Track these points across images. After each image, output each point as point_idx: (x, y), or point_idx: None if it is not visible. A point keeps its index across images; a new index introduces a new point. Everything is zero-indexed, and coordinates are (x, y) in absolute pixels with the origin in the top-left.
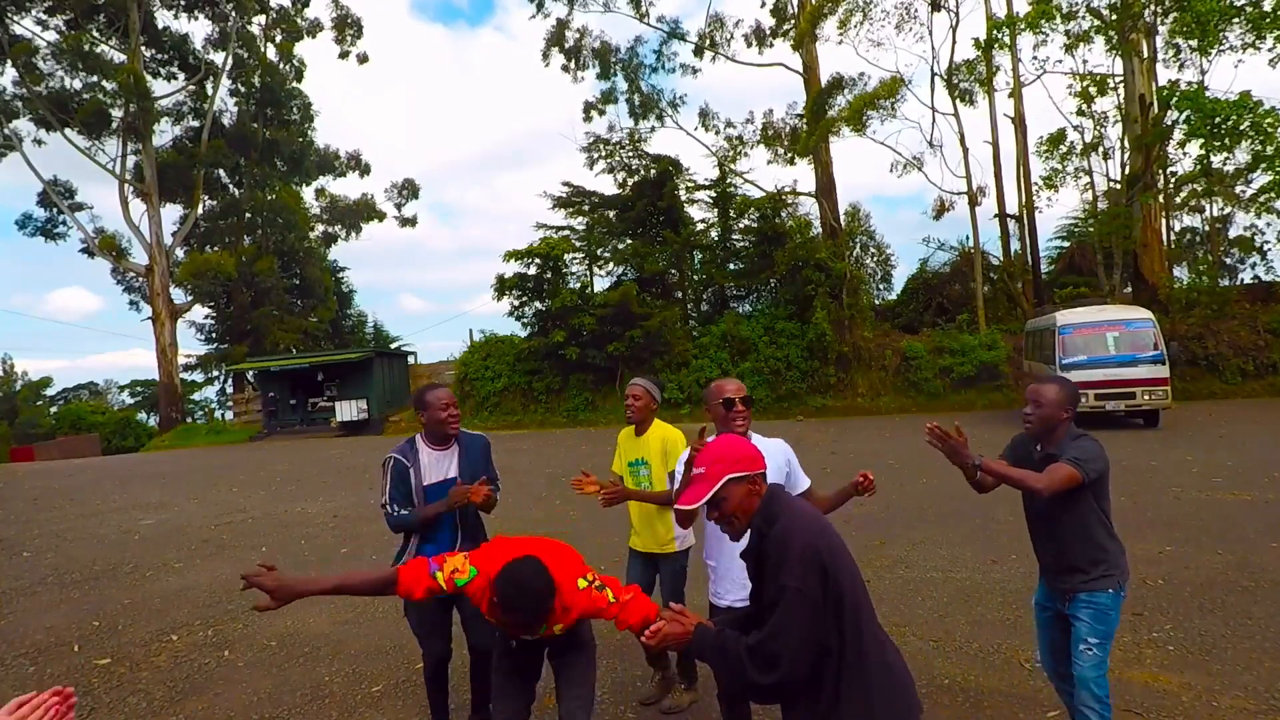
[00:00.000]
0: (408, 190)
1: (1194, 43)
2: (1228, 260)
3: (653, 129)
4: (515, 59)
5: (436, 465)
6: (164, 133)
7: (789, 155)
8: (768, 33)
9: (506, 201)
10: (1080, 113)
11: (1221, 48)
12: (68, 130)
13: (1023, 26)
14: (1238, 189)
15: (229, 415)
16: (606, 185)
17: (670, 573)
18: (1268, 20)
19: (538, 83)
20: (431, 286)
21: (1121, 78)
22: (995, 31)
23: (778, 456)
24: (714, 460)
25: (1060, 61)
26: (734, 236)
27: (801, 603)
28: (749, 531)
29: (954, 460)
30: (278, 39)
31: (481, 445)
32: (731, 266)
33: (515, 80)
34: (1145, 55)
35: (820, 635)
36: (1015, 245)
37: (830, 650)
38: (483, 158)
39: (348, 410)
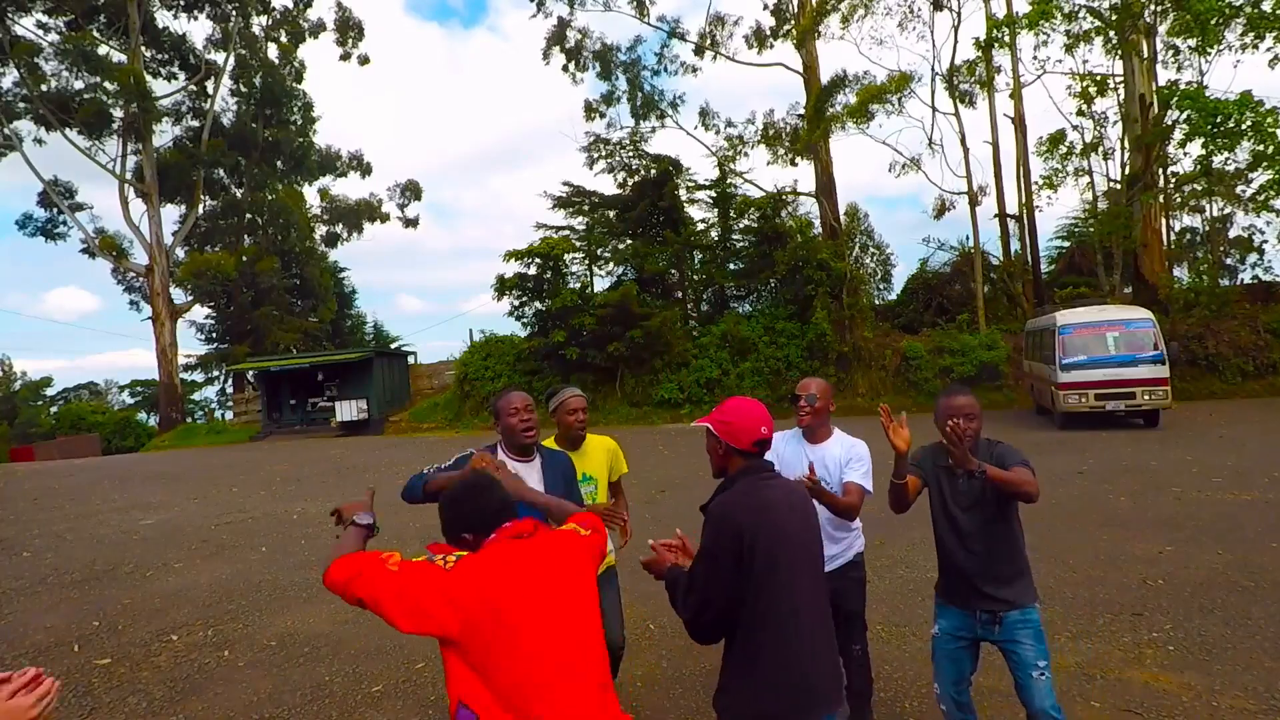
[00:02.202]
0: (410, 191)
1: (1193, 43)
2: (1228, 260)
3: (653, 129)
4: (511, 59)
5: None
6: (164, 133)
7: (789, 155)
8: (768, 32)
9: (504, 202)
10: (1080, 113)
11: (1220, 48)
12: (68, 130)
13: (1023, 27)
14: (1238, 189)
15: (229, 415)
16: (606, 185)
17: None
18: (1267, 20)
19: (535, 83)
20: (430, 286)
21: (1121, 78)
22: (995, 31)
23: (833, 456)
24: (721, 409)
25: (1060, 61)
26: (734, 236)
27: (707, 561)
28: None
29: (961, 463)
30: (281, 39)
31: (564, 464)
32: (731, 266)
33: (512, 81)
34: (1145, 55)
35: (725, 591)
36: (1015, 245)
37: (744, 603)
38: (479, 158)
39: (348, 410)
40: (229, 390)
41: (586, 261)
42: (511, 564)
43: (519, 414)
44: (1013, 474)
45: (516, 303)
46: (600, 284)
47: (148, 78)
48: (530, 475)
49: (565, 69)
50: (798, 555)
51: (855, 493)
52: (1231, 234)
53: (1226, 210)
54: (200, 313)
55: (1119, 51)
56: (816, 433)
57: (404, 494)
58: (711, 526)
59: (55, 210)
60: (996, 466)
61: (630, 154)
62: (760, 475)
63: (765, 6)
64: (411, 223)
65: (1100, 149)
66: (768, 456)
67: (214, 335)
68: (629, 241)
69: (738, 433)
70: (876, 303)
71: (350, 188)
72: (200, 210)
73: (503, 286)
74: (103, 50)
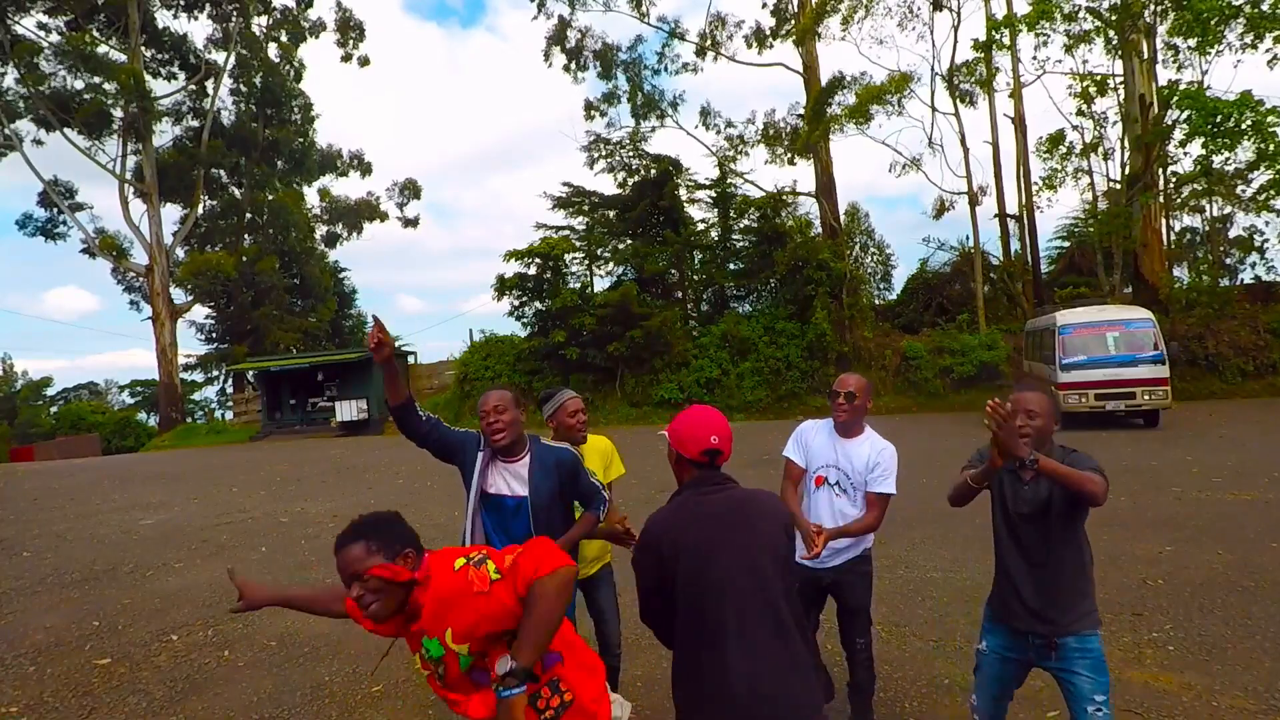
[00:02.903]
0: (409, 190)
1: (1193, 43)
2: (1228, 260)
3: (653, 129)
4: (511, 59)
5: (501, 475)
6: (164, 133)
7: (789, 155)
8: (768, 33)
9: (504, 202)
10: (1080, 113)
11: (1220, 48)
12: (68, 130)
13: (1023, 27)
14: (1238, 189)
15: (229, 415)
16: (606, 185)
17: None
18: (1267, 20)
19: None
20: (429, 287)
21: (1121, 78)
22: (995, 31)
23: (860, 455)
24: (676, 417)
25: (1060, 62)
26: (734, 236)
27: (636, 569)
28: None
29: (1006, 448)
30: (281, 39)
31: (560, 461)
32: (731, 266)
33: (512, 81)
34: (1145, 55)
35: (653, 604)
36: (1015, 245)
37: (677, 616)
38: (479, 158)
39: (348, 410)
40: (229, 390)
41: (586, 261)
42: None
43: (487, 416)
44: (1071, 469)
45: (516, 303)
46: (600, 284)
47: (148, 78)
48: (516, 475)
49: (566, 69)
50: (732, 571)
51: (876, 506)
52: (1231, 234)
53: (1226, 210)
54: (200, 313)
55: (1119, 51)
56: (850, 429)
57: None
58: (641, 541)
59: (55, 210)
60: (1092, 470)
61: (630, 154)
62: (702, 489)
63: (765, 6)
64: (411, 222)
65: (1100, 149)
66: (792, 444)
67: (214, 335)
68: (629, 241)
69: (685, 441)
70: (876, 303)
71: (350, 187)
72: (200, 210)
73: (503, 286)
74: (103, 50)
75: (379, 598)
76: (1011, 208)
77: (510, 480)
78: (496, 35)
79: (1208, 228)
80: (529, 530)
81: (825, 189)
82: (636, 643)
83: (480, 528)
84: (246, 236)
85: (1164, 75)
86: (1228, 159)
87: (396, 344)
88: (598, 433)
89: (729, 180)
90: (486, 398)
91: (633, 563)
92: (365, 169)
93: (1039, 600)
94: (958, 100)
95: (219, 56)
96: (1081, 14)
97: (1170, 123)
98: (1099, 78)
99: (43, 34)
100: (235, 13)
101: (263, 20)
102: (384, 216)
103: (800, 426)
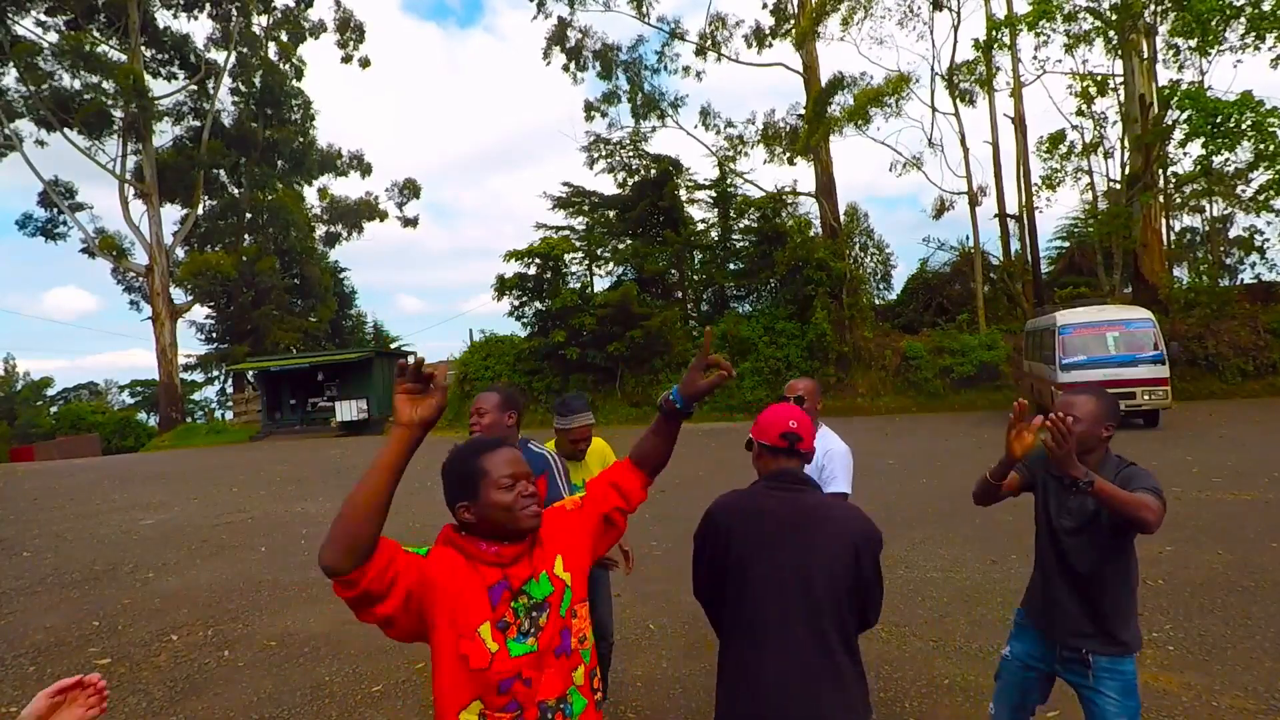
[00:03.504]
0: (409, 190)
1: (1193, 43)
2: (1228, 260)
3: (654, 129)
4: (510, 60)
5: None
6: (164, 133)
7: (789, 155)
8: (767, 32)
9: (504, 202)
10: (1080, 113)
11: (1221, 48)
12: (68, 130)
13: (1023, 27)
14: (1238, 189)
15: (229, 415)
16: (606, 185)
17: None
18: (1268, 20)
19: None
20: (430, 286)
21: (1121, 78)
22: (995, 31)
23: (818, 454)
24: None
25: (1060, 61)
26: (734, 236)
27: (695, 542)
28: None
29: (1062, 466)
30: (281, 38)
31: (540, 466)
32: (731, 266)
33: (512, 81)
34: (1145, 55)
35: (704, 580)
36: (1015, 245)
37: (724, 602)
38: (479, 158)
39: (348, 410)
40: (229, 390)
41: (586, 261)
42: None
43: (471, 416)
44: (1128, 493)
45: (516, 303)
46: (600, 284)
47: (148, 78)
48: None
49: (566, 69)
50: (781, 573)
51: None
52: (1231, 234)
53: (1226, 210)
54: (200, 313)
55: (1119, 51)
56: None
57: None
58: (702, 519)
59: (55, 210)
60: (1124, 487)
61: (630, 154)
62: (775, 483)
63: (765, 6)
64: (411, 222)
65: (1100, 149)
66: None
67: (214, 335)
68: (629, 241)
69: (765, 428)
70: (876, 303)
71: (350, 187)
72: (200, 210)
73: (503, 286)
74: (103, 50)
75: (540, 503)
76: (1011, 208)
77: None
78: (495, 35)
79: (1208, 228)
80: None
81: (825, 189)
82: (637, 643)
83: None
84: (246, 236)
85: (1164, 75)
86: (1228, 159)
87: (396, 344)
88: (603, 431)
89: (729, 180)
90: (476, 401)
91: (694, 535)
92: (365, 169)
93: (1078, 615)
94: (958, 100)
95: (219, 56)
96: (1081, 14)
97: (1170, 123)
98: (1099, 78)
99: (42, 34)
100: (235, 12)
101: (263, 20)
102: (384, 216)
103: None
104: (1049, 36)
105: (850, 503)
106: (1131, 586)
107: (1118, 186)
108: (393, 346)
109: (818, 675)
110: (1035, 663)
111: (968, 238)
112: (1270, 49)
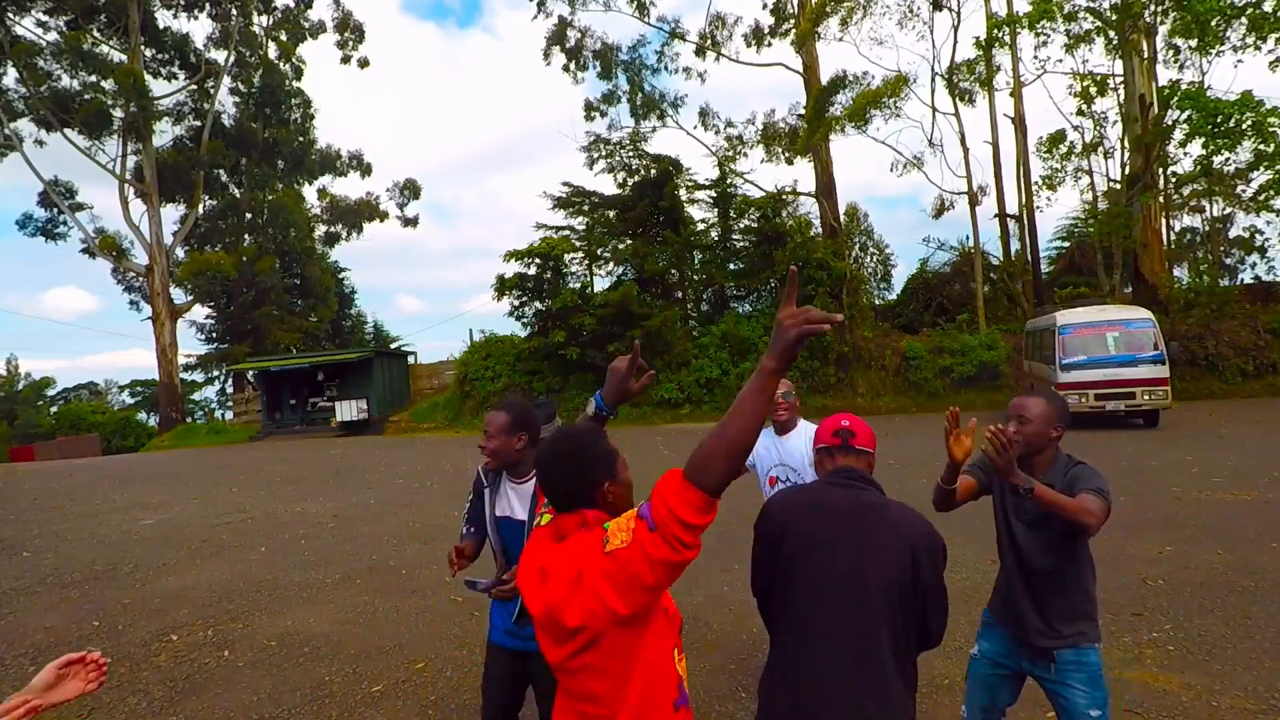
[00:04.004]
0: (409, 191)
1: (1193, 43)
2: (1228, 260)
3: (654, 129)
4: (510, 60)
5: (507, 496)
6: (164, 133)
7: (789, 155)
8: (767, 32)
9: (503, 202)
10: (1080, 113)
11: (1222, 48)
12: (68, 130)
13: (1023, 26)
14: (1238, 189)
15: (229, 415)
16: (606, 185)
17: None
18: (1268, 21)
19: (534, 83)
20: (430, 286)
21: (1121, 78)
22: (995, 30)
23: (798, 448)
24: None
25: (1060, 61)
26: (734, 236)
27: (754, 541)
28: None
29: (1004, 475)
30: (281, 38)
31: None
32: (731, 266)
33: (511, 81)
34: (1145, 55)
35: (756, 573)
36: (1015, 245)
37: (773, 593)
38: (479, 158)
39: (348, 410)
40: (229, 390)
41: (586, 261)
42: (532, 563)
43: (482, 438)
44: (1067, 499)
45: (516, 303)
46: (600, 284)
47: (148, 77)
48: (521, 497)
49: (566, 68)
50: (831, 568)
51: None
52: (1231, 234)
53: (1226, 210)
54: (200, 313)
55: (1119, 51)
56: (788, 427)
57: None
58: (759, 514)
59: (55, 210)
60: (1069, 488)
61: (630, 154)
62: (834, 480)
63: (765, 6)
64: (411, 222)
65: (1100, 149)
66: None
67: (214, 335)
68: (629, 241)
69: (821, 430)
70: (876, 303)
71: (350, 187)
72: (200, 210)
73: (503, 286)
74: (103, 50)
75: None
76: (1011, 208)
77: (515, 502)
78: (494, 35)
79: (1208, 228)
80: None
81: (825, 189)
82: None
83: (501, 549)
84: (246, 236)
85: (1164, 75)
86: (1228, 159)
87: (396, 344)
88: None
89: (729, 180)
90: (486, 417)
91: (753, 528)
92: (365, 169)
93: (1038, 609)
94: (957, 100)
95: (219, 56)
96: (1081, 14)
97: (1170, 123)
98: (1099, 78)
99: (43, 34)
100: (235, 12)
101: (263, 20)
102: (384, 216)
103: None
104: (1049, 36)
105: (911, 507)
106: (1088, 582)
107: (1118, 186)
108: (393, 346)
109: (864, 676)
110: (1003, 660)
111: (968, 238)
112: (1270, 50)
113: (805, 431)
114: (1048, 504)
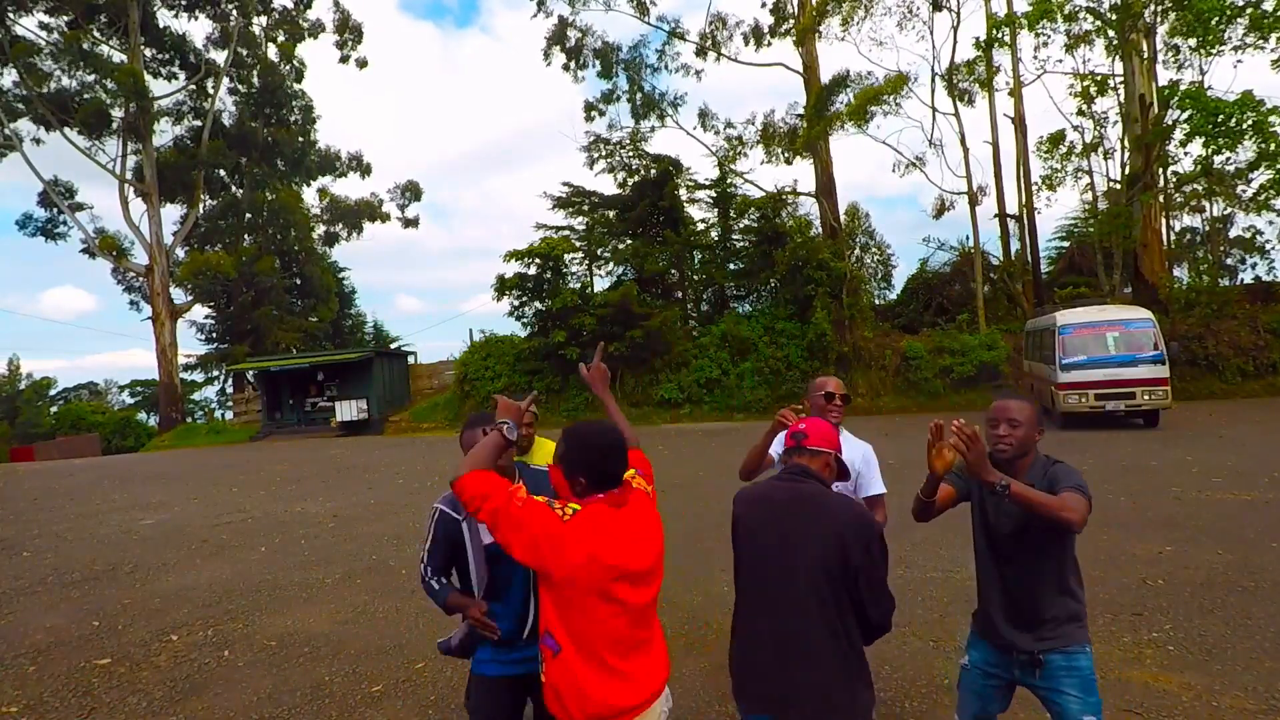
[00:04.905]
0: (410, 192)
1: (1193, 42)
2: (1228, 260)
3: (653, 129)
4: (509, 60)
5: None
6: (164, 133)
7: (788, 155)
8: (767, 32)
9: (503, 202)
10: (1080, 113)
11: (1222, 48)
12: (68, 130)
13: (1023, 26)
14: (1238, 189)
15: (229, 415)
16: (606, 185)
17: None
18: (1269, 20)
19: (534, 83)
20: (430, 287)
21: (1121, 78)
22: (995, 30)
23: (855, 457)
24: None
25: (1060, 61)
26: (734, 236)
27: None
28: None
29: (975, 472)
30: (280, 39)
31: (547, 487)
32: (731, 266)
33: (511, 81)
34: (1145, 55)
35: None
36: (1015, 245)
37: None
38: (478, 158)
39: (348, 410)
40: (229, 390)
41: (586, 261)
42: (614, 531)
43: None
44: (1046, 496)
45: (516, 303)
46: (600, 284)
47: (147, 77)
48: None
49: (566, 68)
50: (764, 551)
51: (881, 509)
52: (1231, 234)
53: (1226, 210)
54: (200, 313)
55: (1119, 51)
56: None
57: (432, 598)
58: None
59: (55, 210)
60: (1049, 487)
61: (630, 154)
62: (783, 475)
63: (764, 5)
64: (412, 223)
65: (1100, 149)
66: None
67: (214, 335)
68: (629, 241)
69: (785, 436)
70: (876, 303)
71: (350, 188)
72: (200, 210)
73: (503, 286)
74: (103, 50)
75: None
76: (1011, 208)
77: None
78: (492, 35)
79: (1208, 228)
80: (526, 574)
81: (825, 189)
82: None
83: (489, 580)
84: (246, 236)
85: (1164, 75)
86: (1228, 159)
87: (396, 344)
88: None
89: (729, 180)
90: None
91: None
92: (365, 169)
93: (1021, 615)
94: (957, 100)
95: (218, 56)
96: (1081, 14)
97: (1170, 123)
98: (1099, 77)
99: (43, 34)
100: (235, 13)
101: (262, 20)
102: (385, 217)
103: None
104: (1049, 36)
105: (850, 497)
106: (1072, 583)
107: (1118, 186)
108: (393, 346)
109: (793, 644)
110: (994, 669)
111: (968, 238)
112: (1272, 50)
113: (850, 444)
114: (1026, 502)
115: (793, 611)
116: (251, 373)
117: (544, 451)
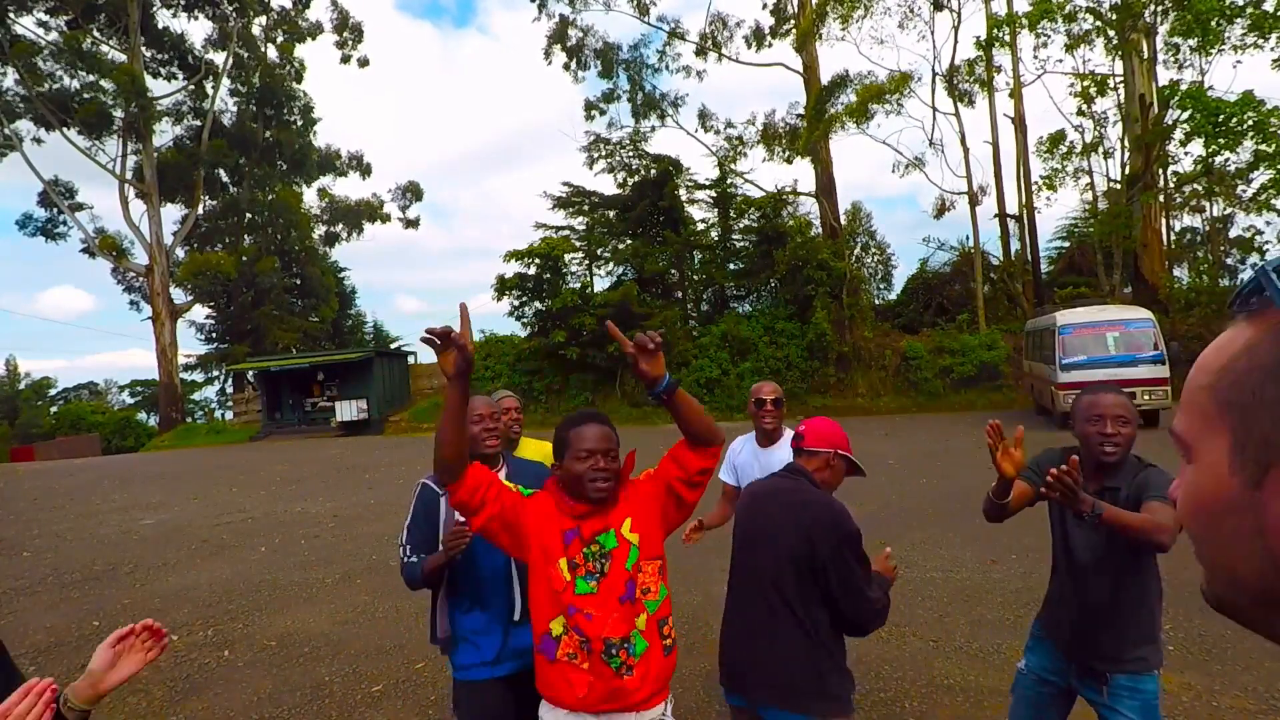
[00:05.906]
0: (410, 192)
1: (1193, 42)
2: (1228, 260)
3: (654, 128)
4: (509, 59)
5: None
6: (164, 133)
7: (789, 155)
8: (767, 32)
9: (502, 202)
10: (1080, 113)
11: (1222, 47)
12: (68, 130)
13: (1023, 26)
14: (1238, 189)
15: (229, 415)
16: (606, 185)
17: None
18: (1269, 20)
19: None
20: (430, 286)
21: (1121, 78)
22: (995, 31)
23: (773, 466)
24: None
25: (1060, 61)
26: (734, 236)
27: None
28: None
29: (1070, 506)
30: (279, 39)
31: (535, 475)
32: (731, 266)
33: (510, 81)
34: (1145, 55)
35: None
36: (1015, 245)
37: None
38: (478, 158)
39: (348, 410)
40: (229, 390)
41: (586, 261)
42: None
43: (483, 421)
44: (1140, 518)
45: (516, 303)
46: (600, 284)
47: (147, 77)
48: None
49: (567, 67)
50: (748, 540)
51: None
52: (1232, 234)
53: (1226, 210)
54: (200, 313)
55: (1119, 51)
56: (772, 437)
57: (407, 583)
58: None
59: (55, 210)
60: (1137, 493)
61: (630, 154)
62: (779, 473)
63: (765, 6)
64: (412, 223)
65: (1100, 149)
66: (724, 465)
67: (214, 335)
68: (629, 241)
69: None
70: (876, 303)
71: (350, 188)
72: (200, 210)
73: (503, 286)
74: (102, 50)
75: (609, 477)
76: (1011, 208)
77: None
78: (490, 35)
79: (1208, 228)
80: (507, 563)
81: (825, 189)
82: None
83: (471, 553)
84: (246, 236)
85: (1164, 75)
86: (1228, 159)
87: (396, 344)
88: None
89: (729, 180)
90: (475, 403)
91: None
92: (365, 170)
93: (1094, 630)
94: (958, 100)
95: (218, 57)
96: (1081, 14)
97: (1170, 123)
98: (1099, 77)
99: (43, 34)
100: (234, 13)
101: (261, 20)
102: (385, 218)
103: (730, 446)
104: (1049, 36)
105: (825, 495)
106: (1153, 602)
107: (1118, 186)
108: (393, 346)
109: (764, 627)
110: (1051, 676)
111: (968, 238)
112: (1272, 49)
113: (788, 441)
114: (1119, 527)
115: (760, 597)
116: (251, 373)
117: (531, 449)
